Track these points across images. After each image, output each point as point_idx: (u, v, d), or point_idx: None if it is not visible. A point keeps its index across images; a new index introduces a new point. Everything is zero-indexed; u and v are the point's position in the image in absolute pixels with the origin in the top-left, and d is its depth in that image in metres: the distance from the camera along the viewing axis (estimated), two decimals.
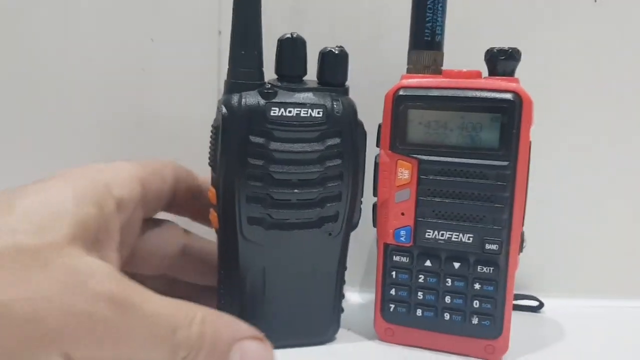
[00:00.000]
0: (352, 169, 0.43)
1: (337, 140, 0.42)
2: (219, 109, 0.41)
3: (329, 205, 0.43)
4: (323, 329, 0.46)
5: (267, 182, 0.41)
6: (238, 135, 0.41)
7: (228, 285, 0.43)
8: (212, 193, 0.42)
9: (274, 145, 0.41)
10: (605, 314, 0.54)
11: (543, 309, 0.54)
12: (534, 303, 0.54)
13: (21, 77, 0.54)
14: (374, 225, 0.46)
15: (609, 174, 0.56)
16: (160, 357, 0.31)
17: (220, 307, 0.44)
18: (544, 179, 0.50)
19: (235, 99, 0.41)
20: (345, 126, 0.43)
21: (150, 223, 0.43)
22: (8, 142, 0.55)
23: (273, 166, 0.41)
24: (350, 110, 0.43)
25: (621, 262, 0.57)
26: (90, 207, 0.34)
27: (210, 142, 0.42)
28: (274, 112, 0.41)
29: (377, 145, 0.45)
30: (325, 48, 0.43)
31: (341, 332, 0.47)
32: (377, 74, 0.52)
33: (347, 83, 0.44)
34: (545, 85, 0.53)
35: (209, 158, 0.43)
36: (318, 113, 0.42)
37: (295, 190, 0.42)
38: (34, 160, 0.54)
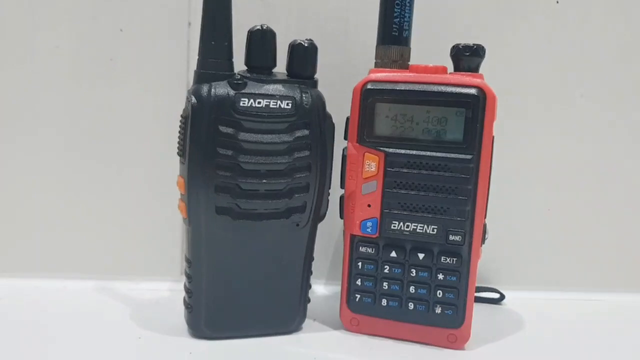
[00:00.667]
0: (320, 161, 0.44)
1: (305, 132, 0.43)
2: (188, 99, 0.42)
3: (296, 196, 0.43)
4: (290, 319, 0.46)
5: (236, 172, 0.42)
6: (207, 125, 0.41)
7: (196, 275, 0.43)
8: (181, 182, 0.42)
9: (242, 135, 0.41)
10: (564, 306, 0.56)
11: (504, 301, 0.55)
12: (496, 295, 0.55)
13: None
14: (341, 217, 0.46)
15: (571, 168, 0.57)
16: None
17: (188, 297, 0.44)
18: (505, 174, 0.51)
19: (204, 89, 0.41)
20: (313, 118, 0.43)
21: None
22: None
23: (242, 156, 0.41)
24: (319, 103, 0.43)
25: (580, 256, 0.59)
26: None
27: (179, 132, 0.42)
28: (244, 103, 0.41)
29: (345, 138, 0.45)
30: (295, 41, 0.43)
31: (307, 323, 0.48)
32: (346, 68, 0.53)
33: (316, 76, 0.44)
34: (509, 81, 0.54)
35: (178, 147, 0.43)
36: (287, 105, 0.42)
37: (264, 181, 0.42)
38: None
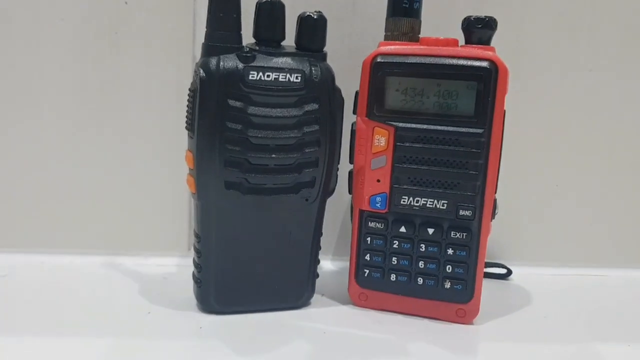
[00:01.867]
0: (329, 135, 0.43)
1: (314, 106, 0.42)
2: (196, 72, 0.41)
3: (306, 171, 0.43)
4: (298, 294, 0.46)
5: (245, 147, 0.41)
6: (216, 99, 0.40)
7: (205, 250, 0.43)
8: (189, 157, 0.42)
9: (252, 109, 0.41)
10: (571, 282, 0.56)
11: (511, 276, 0.55)
12: (503, 271, 0.55)
13: None
14: (350, 192, 0.46)
15: (581, 145, 0.57)
16: None
17: (197, 272, 0.44)
18: (514, 149, 0.51)
19: (213, 62, 0.40)
20: (323, 92, 0.43)
21: None
22: None
23: (251, 130, 0.41)
24: (328, 76, 0.43)
25: (586, 232, 0.58)
26: None
27: (188, 106, 0.42)
28: (252, 76, 0.41)
29: (354, 113, 0.45)
30: (304, 13, 0.43)
31: (315, 298, 0.48)
32: (355, 40, 0.52)
33: (325, 49, 0.44)
34: (521, 54, 0.54)
35: (186, 121, 0.42)
36: (296, 78, 0.42)
37: (273, 155, 0.42)
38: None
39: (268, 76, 0.41)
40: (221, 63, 0.40)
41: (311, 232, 0.45)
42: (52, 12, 0.52)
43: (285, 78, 0.41)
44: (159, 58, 0.53)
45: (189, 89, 0.42)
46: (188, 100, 0.42)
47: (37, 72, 0.53)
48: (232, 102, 0.41)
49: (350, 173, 0.46)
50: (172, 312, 0.45)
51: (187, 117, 0.42)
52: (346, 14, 0.53)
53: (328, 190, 0.45)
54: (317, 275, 0.47)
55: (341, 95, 0.44)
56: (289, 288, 0.46)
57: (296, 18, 0.43)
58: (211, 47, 0.41)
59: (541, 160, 0.57)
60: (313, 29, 0.43)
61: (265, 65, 0.41)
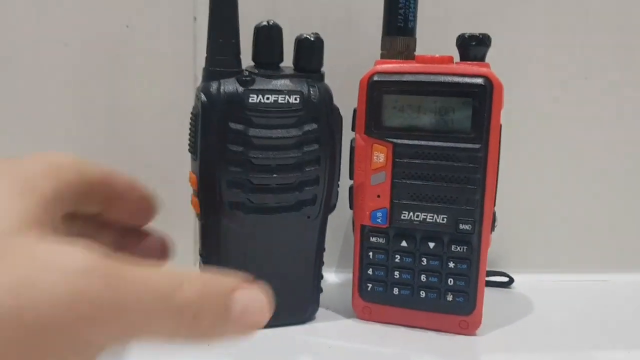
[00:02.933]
0: (329, 153, 0.44)
1: (314, 126, 0.43)
2: (197, 97, 0.42)
3: (307, 189, 0.44)
4: (303, 308, 0.47)
5: (247, 168, 0.42)
6: (217, 122, 0.41)
7: (210, 266, 0.44)
8: (193, 178, 0.43)
9: (252, 131, 0.42)
10: (572, 288, 0.56)
11: (513, 284, 0.56)
12: (504, 279, 0.56)
13: None
14: (351, 208, 0.47)
15: (577, 154, 0.58)
16: (170, 324, 0.30)
17: None
18: (513, 160, 0.52)
19: (214, 86, 0.41)
20: (321, 111, 0.44)
21: None
22: None
23: (252, 152, 0.42)
24: (326, 96, 0.44)
25: (587, 238, 0.59)
26: (35, 197, 0.31)
27: (190, 129, 0.43)
28: (252, 99, 0.42)
29: (353, 130, 0.46)
30: (302, 35, 0.43)
31: (320, 311, 0.49)
32: (351, 59, 0.52)
33: (322, 69, 0.45)
34: (515, 69, 0.54)
35: (189, 144, 0.43)
36: (295, 99, 0.42)
37: (274, 175, 0.43)
38: (2, 146, 0.54)
39: (267, 98, 0.42)
40: (222, 87, 0.41)
41: (314, 248, 0.46)
42: (56, 37, 0.53)
43: (285, 100, 0.42)
44: (161, 80, 0.54)
45: (191, 113, 0.43)
46: (190, 124, 0.43)
47: (41, 96, 0.54)
48: (233, 125, 0.42)
49: (351, 189, 0.47)
50: None
51: (189, 140, 0.43)
52: (342, 32, 0.54)
53: (329, 206, 0.46)
54: (321, 290, 0.48)
55: (339, 114, 0.45)
56: (294, 304, 0.46)
57: (293, 39, 0.44)
58: (211, 72, 0.42)
59: (541, 168, 0.58)
60: (310, 51, 0.44)
61: (265, 88, 0.42)
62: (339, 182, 0.46)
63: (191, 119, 0.43)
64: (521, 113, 0.55)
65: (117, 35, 0.53)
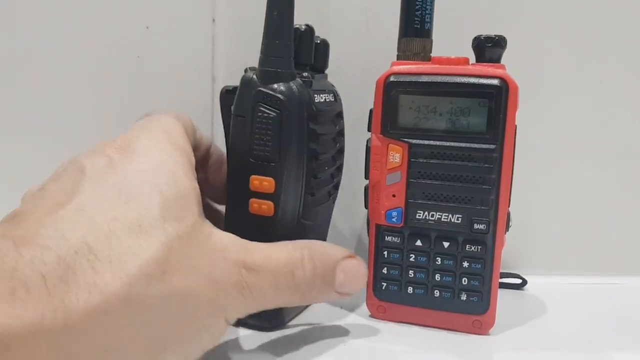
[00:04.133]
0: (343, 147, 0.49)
1: (341, 120, 0.47)
2: (269, 97, 0.42)
3: (335, 178, 0.48)
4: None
5: (315, 164, 0.44)
6: (298, 122, 0.42)
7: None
8: (266, 182, 0.42)
9: (319, 129, 0.44)
10: (585, 291, 0.56)
11: (526, 286, 0.56)
12: (518, 280, 0.56)
13: (16, 64, 0.55)
14: (366, 207, 0.47)
15: (591, 156, 0.58)
16: (289, 301, 0.38)
17: None
18: (527, 161, 0.52)
19: (287, 87, 0.42)
20: (341, 108, 0.48)
21: None
22: (1, 130, 0.56)
23: (319, 148, 0.44)
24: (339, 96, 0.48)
25: (601, 240, 0.59)
26: (194, 181, 0.37)
27: (263, 134, 0.42)
28: (317, 99, 0.44)
29: (369, 130, 0.46)
30: (317, 37, 0.46)
31: (334, 310, 0.49)
32: (368, 60, 0.53)
33: (338, 68, 0.47)
34: (530, 71, 0.55)
35: (258, 150, 0.42)
36: (332, 97, 0.46)
37: (326, 168, 0.46)
38: (26, 147, 0.55)
39: (322, 97, 0.45)
40: (294, 88, 0.42)
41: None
42: (76, 38, 0.54)
43: (329, 98, 0.45)
44: (180, 81, 0.55)
45: (263, 116, 0.42)
46: (263, 129, 0.42)
47: (61, 97, 0.55)
48: (310, 125, 0.43)
49: (366, 188, 0.47)
50: None
51: (260, 145, 0.42)
52: (360, 34, 0.55)
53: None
54: None
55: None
56: None
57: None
58: (267, 73, 0.42)
59: (555, 169, 0.58)
60: (325, 53, 0.47)
61: (317, 88, 0.44)
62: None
63: (263, 122, 0.42)
64: (536, 114, 0.55)
65: (137, 37, 0.54)
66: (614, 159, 0.58)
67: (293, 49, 0.43)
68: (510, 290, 0.56)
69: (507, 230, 0.45)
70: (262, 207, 0.43)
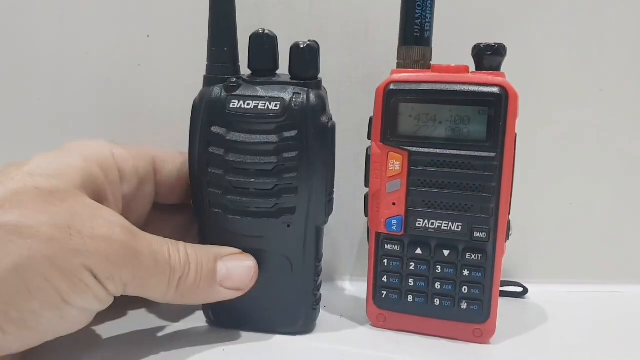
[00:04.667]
0: (310, 163, 0.44)
1: (293, 133, 0.43)
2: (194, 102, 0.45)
3: (285, 196, 0.44)
4: (291, 317, 0.47)
5: (227, 170, 0.44)
6: (201, 125, 0.44)
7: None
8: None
9: (232, 135, 0.44)
10: (586, 299, 0.56)
11: (527, 294, 0.56)
12: (519, 289, 0.56)
13: (17, 71, 0.55)
14: (366, 215, 0.47)
15: (592, 164, 0.58)
16: (164, 281, 0.39)
17: None
18: (528, 169, 0.52)
19: (203, 91, 0.44)
20: (303, 119, 0.43)
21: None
22: (3, 136, 0.56)
23: (231, 155, 0.44)
24: (315, 103, 0.43)
25: (601, 249, 0.59)
26: (96, 168, 0.40)
27: None
28: (233, 105, 0.43)
29: (369, 138, 0.46)
30: (298, 43, 0.44)
31: (334, 319, 0.49)
32: (368, 68, 0.53)
33: (335, 76, 0.45)
34: (530, 79, 0.55)
35: None
36: (275, 106, 0.43)
37: (252, 180, 0.44)
38: (28, 154, 0.55)
39: (248, 104, 0.43)
40: (210, 92, 0.44)
41: (301, 257, 0.45)
42: (78, 45, 0.54)
43: (265, 106, 0.43)
44: (181, 88, 0.54)
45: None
46: None
47: (62, 106, 0.55)
48: (214, 129, 0.44)
49: (366, 197, 0.47)
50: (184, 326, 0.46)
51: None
52: (359, 42, 0.55)
53: (317, 218, 0.45)
54: (319, 301, 0.48)
55: (331, 123, 0.44)
56: (282, 312, 0.46)
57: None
58: (210, 79, 0.44)
59: (555, 178, 0.58)
60: (302, 58, 0.44)
61: (246, 94, 0.44)
62: (332, 196, 0.46)
63: None
64: (536, 122, 0.55)
65: (137, 45, 0.54)
66: (615, 167, 0.58)
67: (232, 55, 0.44)
68: (511, 298, 0.55)
69: (508, 239, 0.45)
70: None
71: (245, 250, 0.45)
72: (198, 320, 0.48)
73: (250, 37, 0.44)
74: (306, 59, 0.44)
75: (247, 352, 0.44)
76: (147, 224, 0.45)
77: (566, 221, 0.59)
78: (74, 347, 0.43)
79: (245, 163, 0.43)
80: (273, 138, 0.43)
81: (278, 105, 0.43)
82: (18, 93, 0.55)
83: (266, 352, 0.44)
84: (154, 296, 0.39)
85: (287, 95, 0.43)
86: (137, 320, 0.48)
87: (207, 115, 0.44)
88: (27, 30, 0.54)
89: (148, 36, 0.54)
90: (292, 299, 0.46)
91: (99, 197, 0.39)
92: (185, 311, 0.49)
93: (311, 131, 0.43)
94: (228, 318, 0.47)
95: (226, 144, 0.43)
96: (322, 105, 0.44)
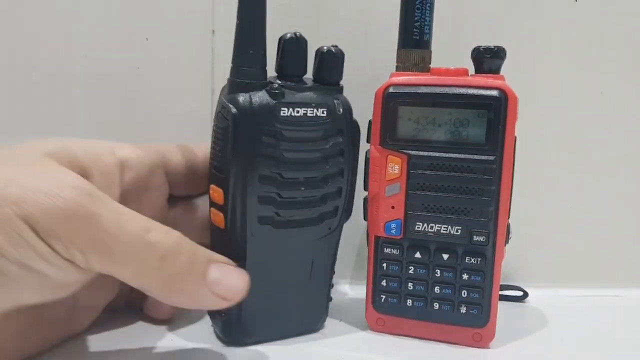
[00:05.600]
0: (351, 166, 0.45)
1: (339, 139, 0.43)
2: (225, 108, 0.41)
3: (330, 201, 0.44)
4: (316, 318, 0.47)
5: (277, 182, 0.42)
6: (249, 136, 0.40)
7: None
8: (217, 193, 0.42)
9: (283, 145, 0.41)
10: (587, 303, 0.56)
11: (527, 298, 0.56)
12: (519, 293, 0.56)
13: (17, 74, 0.55)
14: (365, 219, 0.47)
15: (592, 167, 0.58)
16: (136, 252, 0.35)
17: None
18: (528, 173, 0.52)
19: (243, 98, 0.40)
20: (345, 124, 0.44)
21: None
22: (1, 138, 0.56)
23: (283, 166, 0.42)
24: (348, 108, 0.44)
25: (602, 252, 0.59)
26: (79, 150, 0.39)
27: (216, 143, 0.42)
28: (284, 112, 0.41)
29: (368, 141, 0.46)
30: (323, 47, 0.43)
31: (333, 323, 0.49)
32: (367, 71, 0.53)
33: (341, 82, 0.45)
34: (530, 81, 0.55)
35: (214, 159, 0.42)
36: (322, 112, 0.42)
37: (302, 189, 0.43)
38: None
39: (297, 112, 0.42)
40: (253, 99, 0.40)
41: (332, 258, 0.46)
42: (77, 48, 0.54)
43: (313, 113, 0.42)
44: (179, 92, 0.55)
45: (218, 126, 0.42)
46: (216, 138, 0.42)
47: (61, 109, 0.55)
48: (265, 139, 0.41)
49: (365, 200, 0.47)
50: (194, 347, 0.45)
51: (215, 155, 0.42)
52: (359, 45, 0.55)
53: (347, 216, 0.46)
54: (331, 299, 0.48)
55: (358, 125, 0.45)
56: (308, 313, 0.47)
57: (312, 53, 0.44)
58: (238, 83, 0.41)
59: (555, 181, 0.58)
60: (333, 64, 0.44)
61: (294, 101, 0.41)
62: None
63: (218, 133, 0.42)
64: (536, 125, 0.55)
65: (137, 48, 0.54)
66: (616, 170, 0.58)
67: (263, 59, 0.41)
68: (512, 302, 0.55)
69: (507, 242, 0.45)
70: (216, 217, 0.43)
71: (287, 261, 0.44)
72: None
73: (285, 40, 0.42)
74: (336, 64, 0.44)
75: (243, 357, 0.44)
76: (174, 223, 0.42)
77: (567, 224, 0.58)
78: None
79: (296, 172, 0.42)
80: (323, 145, 0.43)
81: (325, 112, 0.42)
82: (16, 95, 0.55)
83: (264, 358, 0.44)
84: (130, 274, 0.35)
85: (329, 101, 0.43)
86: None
87: (256, 125, 0.40)
88: (25, 33, 0.54)
89: (147, 39, 0.54)
90: (318, 299, 0.47)
91: (83, 174, 0.37)
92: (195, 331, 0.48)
93: (349, 134, 0.44)
94: (257, 332, 0.45)
95: (278, 155, 0.41)
96: (351, 109, 0.45)
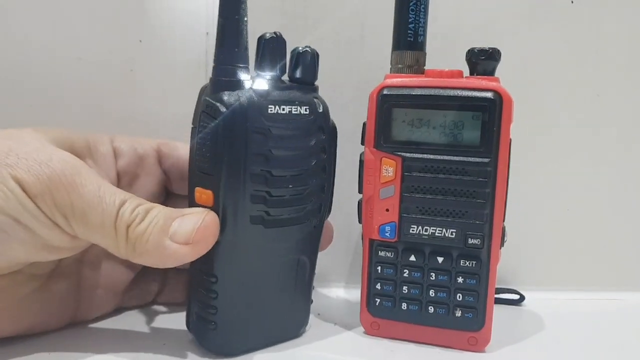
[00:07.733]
0: (332, 163, 0.45)
1: (321, 136, 0.43)
2: (211, 107, 0.40)
3: (314, 199, 0.44)
4: (299, 321, 0.47)
5: (267, 180, 0.41)
6: (239, 134, 0.40)
7: (222, 290, 0.42)
8: (206, 195, 0.41)
9: (272, 142, 0.41)
10: (584, 307, 0.56)
11: (524, 302, 0.55)
12: (515, 296, 0.55)
13: (10, 77, 0.54)
14: (360, 222, 0.47)
15: (587, 170, 0.57)
16: (109, 223, 0.39)
17: (211, 314, 0.43)
18: (524, 175, 0.51)
19: (232, 96, 0.40)
20: (325, 122, 0.44)
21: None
22: None
23: (272, 163, 0.41)
24: (326, 107, 0.44)
25: (599, 256, 0.58)
26: (75, 135, 0.43)
27: (202, 145, 0.41)
28: (271, 110, 0.41)
29: (362, 144, 0.46)
30: (298, 48, 0.43)
31: (328, 327, 0.49)
32: (361, 73, 0.53)
33: (332, 81, 0.45)
34: (524, 83, 0.54)
35: (200, 161, 0.41)
36: (305, 110, 0.42)
37: (290, 186, 0.42)
38: None
39: (283, 109, 0.41)
40: (241, 98, 0.40)
41: (315, 256, 0.46)
42: (70, 51, 0.54)
43: (297, 110, 0.42)
44: (173, 94, 0.54)
45: (203, 127, 0.41)
46: (202, 139, 0.41)
47: (54, 110, 0.54)
48: (255, 137, 0.40)
49: (360, 203, 0.47)
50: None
51: (201, 157, 0.41)
52: (354, 47, 0.54)
53: (328, 214, 0.46)
54: (311, 301, 0.47)
55: (334, 124, 0.45)
56: (293, 318, 0.46)
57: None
58: (220, 82, 0.41)
59: (551, 183, 0.58)
60: (310, 63, 0.43)
61: (279, 99, 0.41)
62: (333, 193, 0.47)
63: (203, 133, 0.41)
64: (532, 127, 0.55)
65: (130, 50, 0.54)
66: (612, 173, 0.57)
67: (246, 57, 0.41)
68: (508, 306, 0.55)
69: (502, 245, 0.44)
70: None
71: (276, 260, 0.44)
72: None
73: (265, 40, 0.41)
74: (313, 64, 0.44)
75: None
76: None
77: (563, 227, 0.58)
78: None
79: (284, 170, 0.42)
80: (307, 142, 0.43)
81: (308, 109, 0.43)
82: (10, 98, 0.55)
83: None
84: (106, 242, 0.39)
85: (311, 100, 0.43)
86: None
87: (245, 123, 0.40)
88: (19, 36, 0.54)
89: (140, 41, 0.54)
90: (302, 301, 0.46)
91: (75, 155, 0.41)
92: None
93: (329, 132, 0.44)
94: (246, 340, 0.44)
95: (267, 153, 0.41)
96: (328, 108, 0.45)
